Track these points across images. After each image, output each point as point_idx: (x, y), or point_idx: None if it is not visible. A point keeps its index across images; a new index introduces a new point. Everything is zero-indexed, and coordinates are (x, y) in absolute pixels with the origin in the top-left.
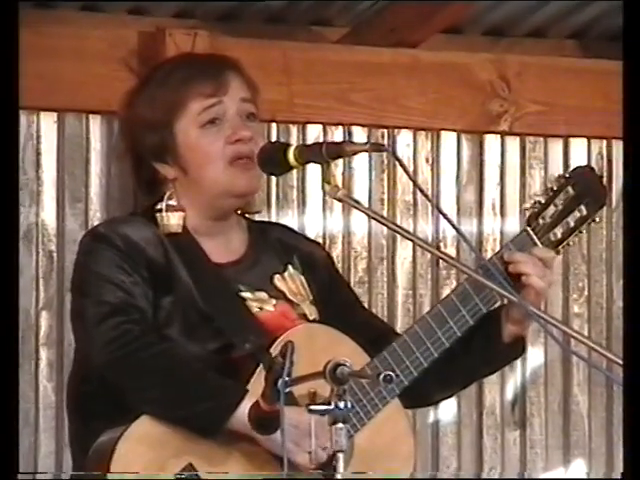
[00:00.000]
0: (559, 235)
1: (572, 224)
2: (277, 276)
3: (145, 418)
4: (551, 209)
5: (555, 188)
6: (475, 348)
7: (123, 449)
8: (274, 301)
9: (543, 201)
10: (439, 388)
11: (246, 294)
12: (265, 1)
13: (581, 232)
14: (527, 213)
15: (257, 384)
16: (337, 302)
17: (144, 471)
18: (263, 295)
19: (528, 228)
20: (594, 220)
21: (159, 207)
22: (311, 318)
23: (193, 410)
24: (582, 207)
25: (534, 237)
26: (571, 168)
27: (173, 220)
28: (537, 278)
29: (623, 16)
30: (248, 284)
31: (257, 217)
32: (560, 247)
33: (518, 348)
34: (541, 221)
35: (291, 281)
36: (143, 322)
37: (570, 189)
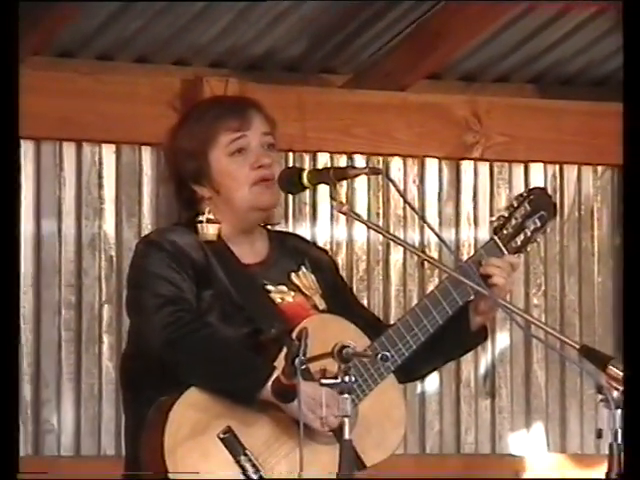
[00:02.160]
0: (519, 243)
1: (529, 234)
2: (293, 274)
3: (193, 389)
4: (512, 221)
5: (515, 205)
6: (449, 335)
7: (176, 412)
8: (292, 293)
9: (506, 215)
10: (424, 365)
11: (270, 287)
12: (265, 1)
13: (536, 241)
14: (494, 225)
15: (281, 362)
16: (340, 297)
17: (192, 430)
18: (283, 288)
19: (495, 237)
20: (546, 231)
21: (200, 219)
22: (321, 308)
23: (232, 383)
24: (536, 220)
25: (500, 244)
26: (528, 188)
27: (211, 230)
28: (500, 277)
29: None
30: (271, 279)
31: (276, 228)
32: (519, 253)
33: (482, 334)
34: (505, 231)
35: (304, 278)
36: (191, 311)
37: (527, 205)
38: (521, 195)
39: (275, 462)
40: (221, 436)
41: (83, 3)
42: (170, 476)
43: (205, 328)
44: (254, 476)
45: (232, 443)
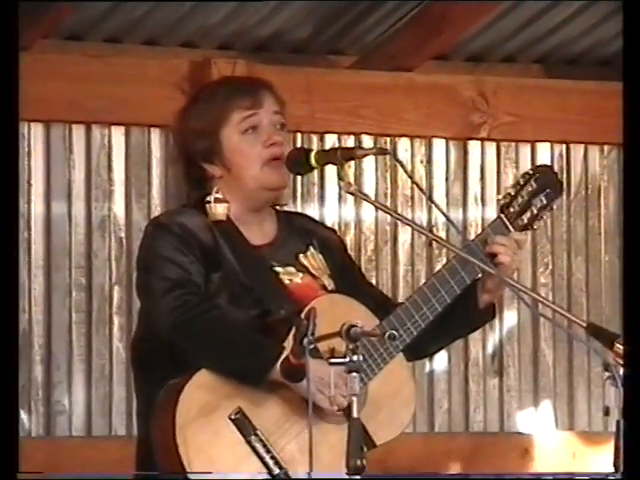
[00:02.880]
0: (525, 220)
1: (535, 211)
2: (301, 255)
3: (204, 370)
4: (519, 199)
5: (521, 182)
6: (457, 313)
7: (187, 394)
8: (301, 274)
9: (513, 193)
10: (431, 344)
11: (279, 269)
12: (264, 1)
13: (542, 218)
14: (500, 203)
15: (290, 343)
16: (348, 276)
17: (202, 410)
18: (292, 269)
19: (502, 215)
20: (552, 208)
21: (208, 199)
22: (329, 288)
23: (241, 364)
24: (543, 198)
25: (507, 222)
26: (534, 166)
27: (220, 210)
28: (506, 255)
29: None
30: (279, 260)
31: (284, 208)
32: (526, 230)
33: (489, 313)
34: (511, 209)
35: (312, 259)
36: (199, 294)
37: (533, 183)
38: (527, 173)
39: (285, 442)
40: (232, 417)
41: None
42: (188, 473)
43: (213, 310)
44: (265, 456)
45: (243, 423)
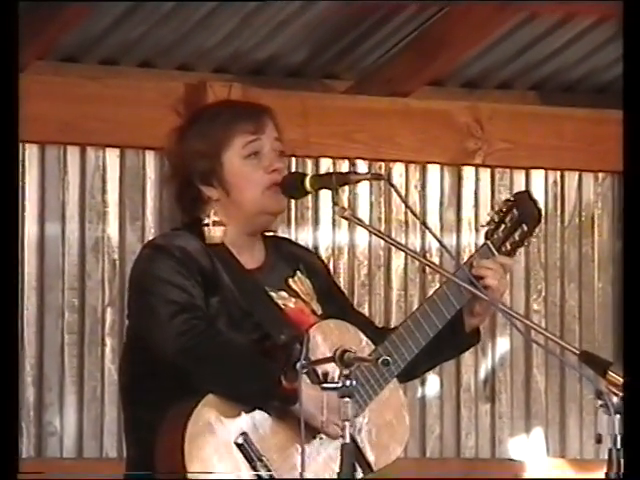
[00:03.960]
0: (509, 247)
1: (517, 238)
2: (290, 279)
3: (210, 395)
4: (502, 226)
5: (504, 210)
6: (444, 336)
7: (195, 417)
8: (293, 299)
9: (496, 219)
10: (419, 366)
11: (272, 293)
12: (264, 1)
13: (525, 245)
14: (485, 229)
15: None
16: (335, 301)
17: (209, 434)
18: (284, 294)
19: (488, 242)
20: (532, 235)
21: (206, 222)
22: (319, 313)
23: (247, 389)
24: (524, 225)
25: (492, 248)
26: (513, 193)
27: (218, 233)
28: (492, 279)
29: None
30: (271, 285)
31: (270, 233)
32: (511, 256)
33: (475, 337)
34: (496, 236)
35: (300, 283)
36: (204, 318)
37: (514, 210)
38: (508, 200)
39: (289, 467)
40: (237, 442)
41: (87, 7)
42: (187, 473)
43: (219, 335)
44: None
45: (248, 449)
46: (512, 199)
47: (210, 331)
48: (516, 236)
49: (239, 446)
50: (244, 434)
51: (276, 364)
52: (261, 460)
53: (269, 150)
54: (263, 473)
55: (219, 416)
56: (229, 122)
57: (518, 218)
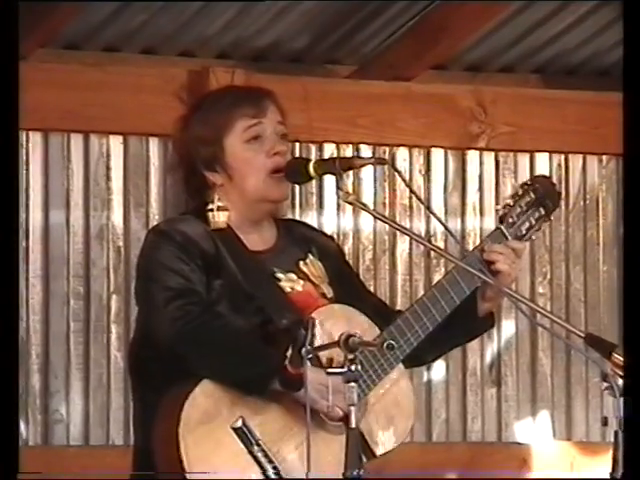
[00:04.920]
0: (523, 231)
1: (533, 222)
2: (301, 262)
3: (206, 380)
4: (517, 210)
5: (520, 193)
6: (457, 321)
7: (191, 403)
8: (301, 282)
9: (511, 203)
10: (430, 352)
11: (280, 275)
12: (264, 1)
13: (540, 229)
14: (499, 213)
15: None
16: (347, 284)
17: (205, 420)
18: (293, 276)
19: (501, 226)
20: (550, 219)
21: (210, 207)
22: (329, 296)
23: (243, 374)
24: (541, 209)
25: (505, 232)
26: (533, 177)
27: (221, 218)
28: (504, 264)
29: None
30: (280, 267)
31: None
32: (524, 240)
33: (489, 321)
34: (510, 220)
35: (312, 266)
36: (201, 303)
37: (532, 194)
38: (526, 183)
39: (287, 452)
40: (234, 426)
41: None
42: (186, 474)
43: (215, 320)
44: (267, 466)
45: (245, 434)
46: (529, 182)
47: (206, 316)
48: (532, 220)
49: (236, 430)
50: (241, 419)
51: (276, 349)
52: (258, 444)
53: (271, 133)
54: (260, 457)
55: (215, 401)
56: (230, 107)
57: (535, 201)
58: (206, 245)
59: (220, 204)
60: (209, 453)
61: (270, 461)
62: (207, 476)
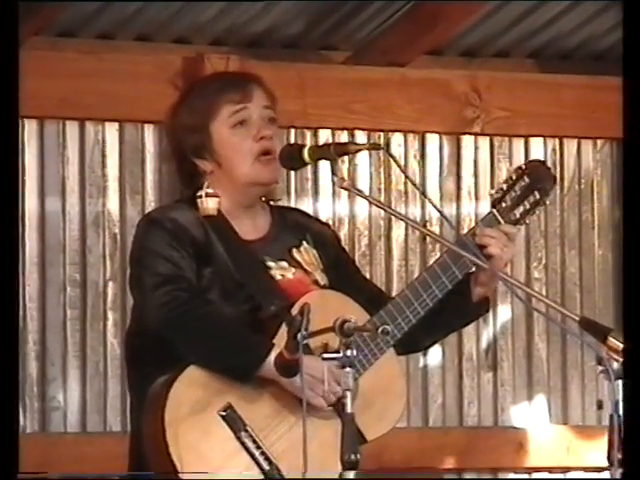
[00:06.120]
0: (518, 215)
1: (528, 206)
2: (294, 250)
3: (193, 366)
4: (511, 194)
5: (514, 177)
6: (451, 307)
7: (177, 390)
8: (293, 270)
9: (505, 188)
10: (424, 338)
11: (271, 263)
12: (264, 0)
13: (535, 213)
14: (493, 197)
15: (280, 339)
16: (342, 271)
17: (192, 407)
18: (284, 264)
19: (494, 210)
20: (545, 203)
21: (199, 194)
22: (322, 284)
23: (230, 360)
24: (535, 193)
25: (498, 217)
26: (527, 161)
27: (211, 204)
28: (496, 247)
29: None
30: (272, 255)
31: (279, 203)
32: (519, 225)
33: (484, 306)
34: (504, 204)
35: (305, 254)
36: (189, 289)
37: (526, 178)
38: (520, 168)
39: (276, 438)
40: (221, 413)
41: None
42: (177, 468)
43: (203, 306)
44: (255, 452)
45: (232, 420)
46: (524, 167)
47: (193, 302)
48: (527, 204)
49: (224, 417)
50: (228, 405)
51: (264, 335)
52: (246, 430)
53: (257, 118)
54: (248, 443)
55: (203, 388)
56: (215, 93)
57: (530, 185)
58: (196, 233)
59: (209, 191)
60: (197, 440)
61: (258, 447)
62: (205, 476)
